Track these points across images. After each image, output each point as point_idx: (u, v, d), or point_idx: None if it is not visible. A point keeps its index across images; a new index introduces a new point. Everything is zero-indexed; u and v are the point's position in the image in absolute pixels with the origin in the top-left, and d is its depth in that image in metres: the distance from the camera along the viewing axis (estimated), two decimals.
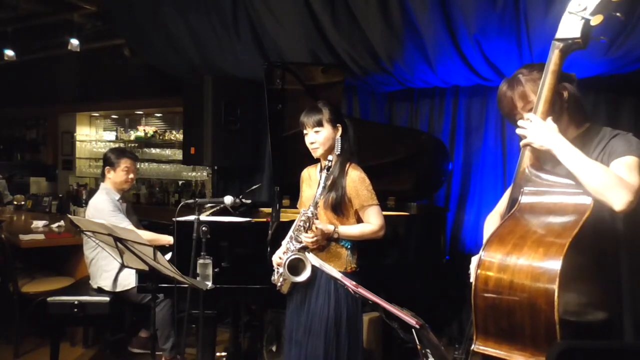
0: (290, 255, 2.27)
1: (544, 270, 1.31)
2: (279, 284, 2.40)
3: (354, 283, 1.51)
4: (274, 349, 3.20)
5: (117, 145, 6.68)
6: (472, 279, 1.69)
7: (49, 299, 3.18)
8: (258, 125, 4.43)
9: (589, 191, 1.42)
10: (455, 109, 3.95)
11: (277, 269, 2.40)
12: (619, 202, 1.38)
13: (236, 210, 2.95)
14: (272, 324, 3.22)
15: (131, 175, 3.42)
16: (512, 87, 1.64)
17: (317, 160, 2.47)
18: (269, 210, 3.59)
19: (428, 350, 1.34)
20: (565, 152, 1.47)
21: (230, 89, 4.24)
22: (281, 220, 2.94)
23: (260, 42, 3.97)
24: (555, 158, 1.66)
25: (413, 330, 1.32)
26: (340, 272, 2.29)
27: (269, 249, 2.68)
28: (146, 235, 3.57)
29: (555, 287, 1.27)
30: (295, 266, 2.27)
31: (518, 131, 1.58)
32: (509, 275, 1.36)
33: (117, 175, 3.38)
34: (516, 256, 1.37)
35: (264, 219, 3.13)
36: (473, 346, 1.42)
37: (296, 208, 2.71)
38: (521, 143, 1.57)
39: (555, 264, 1.30)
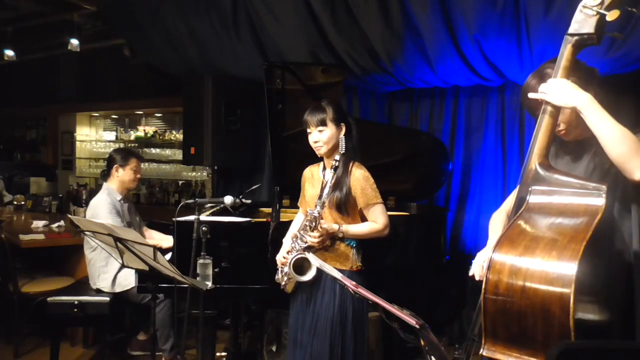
0: (296, 255, 2.27)
1: (558, 274, 1.27)
2: (283, 283, 2.40)
3: (354, 283, 1.51)
4: (274, 349, 3.20)
5: (117, 145, 6.68)
6: (471, 273, 1.68)
7: (49, 299, 3.17)
8: (258, 125, 4.43)
9: (612, 156, 1.39)
10: (455, 109, 3.95)
11: (282, 268, 2.40)
12: None
13: (236, 210, 2.95)
14: (272, 324, 3.22)
15: (138, 175, 3.47)
16: (542, 81, 1.59)
17: (319, 160, 2.47)
18: (269, 210, 3.58)
19: (428, 349, 1.34)
20: (592, 112, 1.42)
21: (230, 89, 4.23)
22: (281, 220, 2.94)
23: (260, 42, 3.97)
24: (566, 156, 1.65)
25: (414, 329, 1.32)
26: (346, 270, 2.31)
27: (269, 249, 2.68)
28: (157, 236, 3.58)
29: (571, 292, 1.24)
30: (300, 265, 2.27)
31: (538, 96, 1.52)
32: (521, 279, 1.32)
33: (126, 174, 3.39)
34: (528, 259, 1.33)
35: (264, 219, 3.13)
36: (481, 350, 1.40)
37: (296, 208, 2.71)
38: (542, 99, 1.51)
39: (570, 268, 1.26)
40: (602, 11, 1.39)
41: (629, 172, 1.38)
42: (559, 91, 1.47)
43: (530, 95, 1.55)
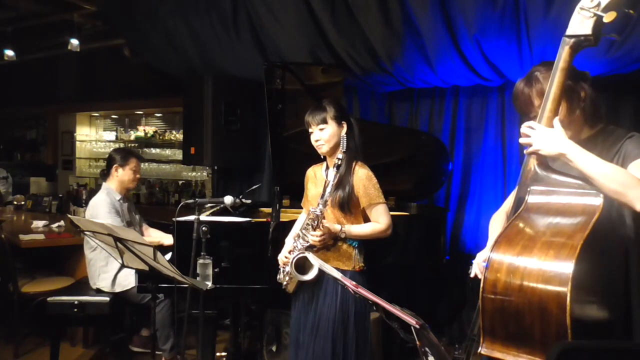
0: (297, 254, 2.27)
1: (555, 273, 1.28)
2: (284, 283, 2.40)
3: (354, 283, 1.51)
4: (274, 349, 3.20)
5: (117, 145, 6.68)
6: (472, 275, 1.68)
7: (49, 299, 3.17)
8: (258, 125, 4.43)
9: (607, 193, 1.40)
10: (455, 109, 3.95)
11: (283, 268, 2.40)
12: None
13: (236, 210, 2.95)
14: (272, 324, 3.22)
15: (137, 175, 3.48)
16: (529, 84, 1.61)
17: (321, 160, 2.47)
18: (269, 210, 3.59)
19: (427, 349, 1.34)
20: (579, 156, 1.44)
21: (230, 89, 4.23)
22: (281, 220, 2.94)
23: (260, 42, 3.97)
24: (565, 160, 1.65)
25: (413, 329, 1.32)
26: (349, 271, 2.31)
27: (270, 249, 2.68)
28: (156, 234, 3.58)
29: (568, 290, 1.25)
30: (302, 265, 2.27)
31: (522, 140, 1.54)
32: (519, 278, 1.33)
33: (125, 174, 3.40)
34: (526, 258, 1.34)
35: (264, 219, 3.13)
36: (480, 349, 1.41)
37: (296, 208, 2.71)
38: (527, 151, 1.53)
39: (567, 267, 1.27)
40: (599, 13, 1.40)
41: (629, 205, 1.39)
42: (543, 140, 1.48)
43: (521, 140, 1.55)
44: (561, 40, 1.49)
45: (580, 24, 1.44)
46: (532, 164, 1.54)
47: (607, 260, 1.50)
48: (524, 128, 1.54)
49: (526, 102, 1.63)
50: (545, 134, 1.48)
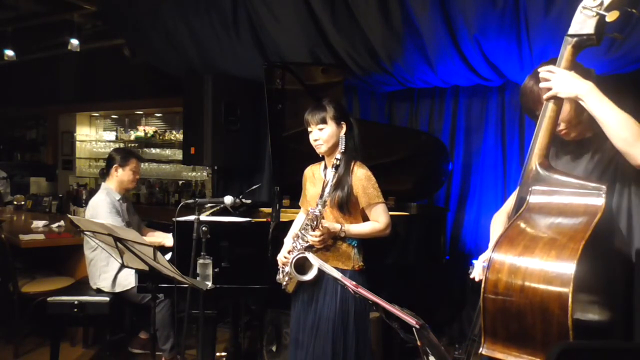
0: (297, 254, 2.27)
1: (557, 273, 1.28)
2: (284, 283, 2.40)
3: (354, 283, 1.51)
4: (274, 349, 3.20)
5: (117, 145, 6.68)
6: (478, 279, 1.68)
7: (49, 299, 3.17)
8: (258, 125, 4.43)
9: (615, 141, 1.40)
10: (455, 109, 3.95)
11: (283, 268, 2.40)
12: None
13: (236, 210, 2.95)
14: (272, 324, 3.22)
15: (137, 176, 3.48)
16: (539, 82, 1.60)
17: (320, 159, 2.47)
18: (269, 210, 3.59)
19: (428, 349, 1.34)
20: (595, 99, 1.44)
21: (230, 89, 4.23)
22: (281, 220, 2.94)
23: (260, 42, 3.97)
24: (566, 156, 1.65)
25: (413, 329, 1.31)
26: (348, 270, 2.31)
27: (270, 249, 2.68)
28: (158, 235, 3.58)
29: (569, 290, 1.25)
30: (301, 265, 2.27)
31: (542, 84, 1.53)
32: (520, 278, 1.33)
33: (125, 174, 3.40)
34: (527, 258, 1.34)
35: (264, 219, 3.13)
36: (481, 349, 1.41)
37: (296, 208, 2.70)
38: (546, 96, 1.52)
39: (569, 267, 1.27)
40: (601, 12, 1.39)
41: (633, 158, 1.39)
42: (562, 81, 1.48)
43: (542, 84, 1.54)
44: (563, 40, 1.49)
45: (582, 23, 1.44)
46: (534, 163, 1.53)
47: (609, 260, 1.50)
48: (544, 73, 1.53)
49: (534, 100, 1.62)
50: (564, 76, 1.48)
